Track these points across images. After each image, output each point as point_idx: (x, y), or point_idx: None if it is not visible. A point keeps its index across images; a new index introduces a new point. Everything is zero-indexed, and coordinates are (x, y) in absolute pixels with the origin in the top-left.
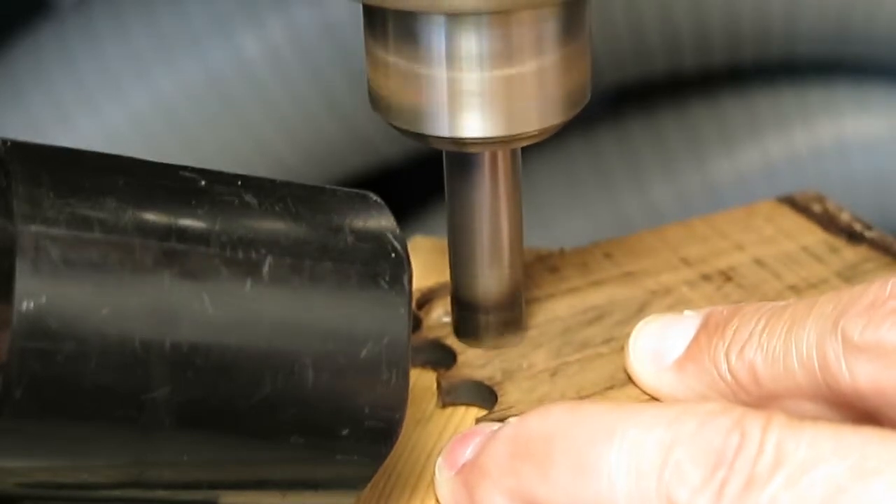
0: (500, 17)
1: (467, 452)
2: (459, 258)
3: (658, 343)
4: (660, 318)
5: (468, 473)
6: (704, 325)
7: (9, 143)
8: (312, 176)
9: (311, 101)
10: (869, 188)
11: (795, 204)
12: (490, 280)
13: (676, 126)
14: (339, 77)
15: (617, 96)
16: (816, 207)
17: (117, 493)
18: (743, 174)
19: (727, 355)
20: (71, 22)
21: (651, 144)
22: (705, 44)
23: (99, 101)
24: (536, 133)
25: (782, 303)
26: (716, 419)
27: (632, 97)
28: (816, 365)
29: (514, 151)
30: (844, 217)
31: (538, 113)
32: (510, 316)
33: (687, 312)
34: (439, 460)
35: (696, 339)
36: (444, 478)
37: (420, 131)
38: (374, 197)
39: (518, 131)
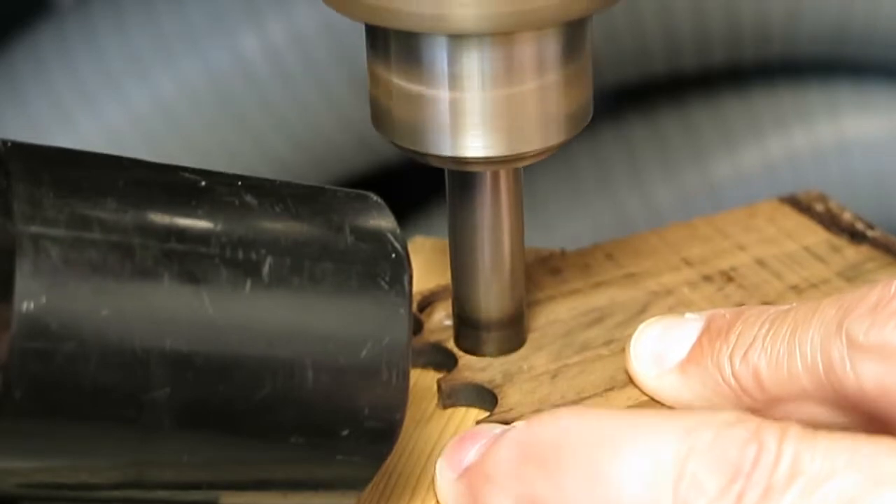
0: (502, 37)
1: (471, 454)
2: (461, 275)
3: (659, 345)
4: (661, 320)
5: (473, 477)
6: (707, 329)
7: (9, 144)
8: (312, 176)
9: (311, 101)
10: (869, 188)
11: (797, 203)
12: (492, 297)
13: (676, 126)
14: (339, 77)
15: (617, 96)
16: (819, 207)
17: (117, 493)
18: (743, 174)
19: (731, 359)
20: (71, 22)
21: (651, 144)
22: (705, 44)
23: (99, 101)
24: (538, 152)
25: (785, 306)
26: (732, 430)
27: (632, 97)
28: (821, 367)
29: (515, 170)
30: (846, 217)
31: (540, 132)
32: (512, 332)
33: (688, 315)
34: (440, 461)
35: (698, 342)
36: (446, 479)
37: (422, 150)
38: (375, 197)
39: (520, 150)
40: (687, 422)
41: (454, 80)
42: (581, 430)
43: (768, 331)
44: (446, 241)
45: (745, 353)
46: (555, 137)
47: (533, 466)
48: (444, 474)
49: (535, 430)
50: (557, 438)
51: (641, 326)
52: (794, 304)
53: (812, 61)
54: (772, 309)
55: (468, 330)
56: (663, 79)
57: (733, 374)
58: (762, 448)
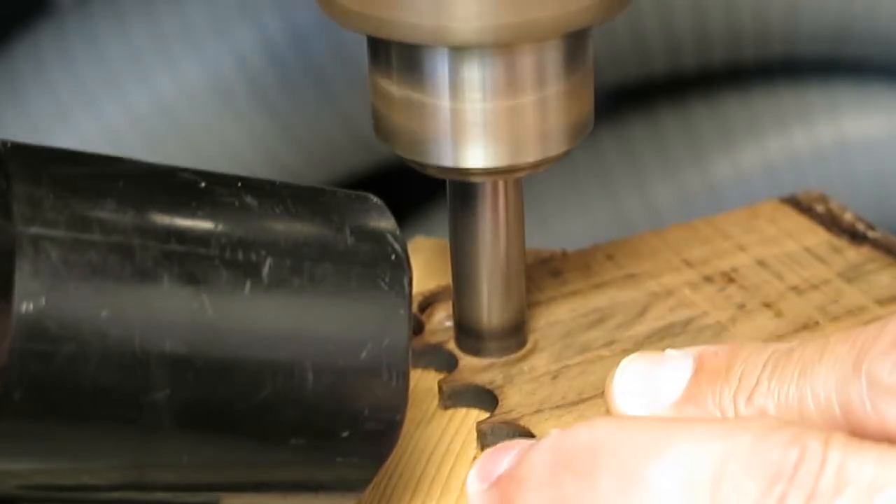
0: (503, 49)
1: (503, 464)
2: (462, 284)
3: (646, 384)
4: (643, 357)
5: (505, 484)
6: (701, 368)
7: (9, 145)
8: (313, 176)
9: (311, 101)
10: (869, 188)
11: (798, 204)
12: (493, 305)
13: (676, 126)
14: (339, 77)
15: (617, 96)
16: (819, 208)
17: (117, 494)
18: (743, 174)
19: (735, 401)
20: (71, 22)
21: (651, 144)
22: (705, 44)
23: (99, 101)
24: (539, 163)
25: (785, 345)
26: (773, 433)
27: (632, 97)
28: (837, 408)
29: (516, 180)
30: (847, 217)
31: (541, 143)
32: (513, 337)
33: (670, 351)
34: (471, 472)
35: (695, 381)
36: (476, 490)
37: (423, 160)
38: (375, 198)
39: (521, 161)
40: (726, 426)
41: (455, 92)
42: (617, 434)
43: (773, 372)
44: (447, 241)
45: (751, 395)
46: (555, 148)
47: (567, 471)
48: (475, 484)
49: (570, 436)
50: (593, 443)
51: (622, 364)
52: (797, 343)
53: (812, 61)
54: (771, 347)
55: (469, 334)
56: (663, 79)
57: (737, 416)
58: (805, 450)
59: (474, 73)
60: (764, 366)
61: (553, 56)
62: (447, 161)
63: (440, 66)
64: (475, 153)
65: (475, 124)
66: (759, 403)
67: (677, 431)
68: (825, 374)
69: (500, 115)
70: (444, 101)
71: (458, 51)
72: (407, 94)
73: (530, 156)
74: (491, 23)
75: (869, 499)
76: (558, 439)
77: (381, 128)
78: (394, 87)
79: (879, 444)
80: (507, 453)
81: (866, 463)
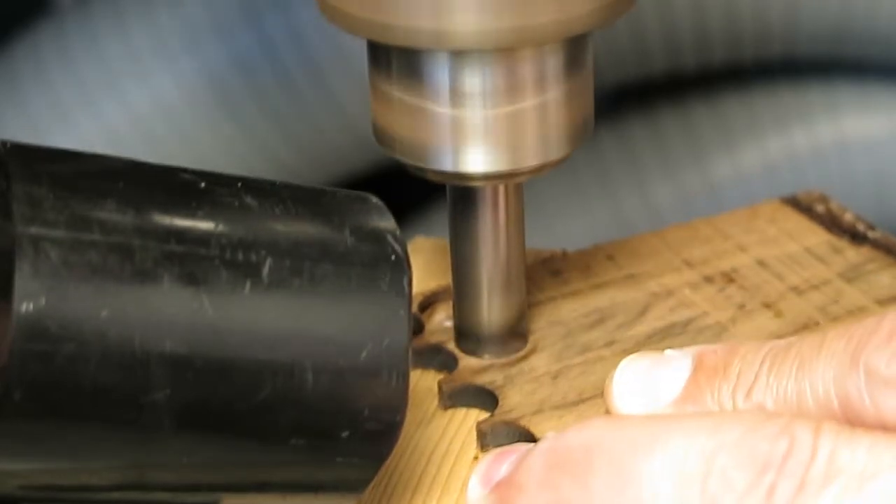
0: (503, 53)
1: (502, 470)
2: (463, 287)
3: (645, 384)
4: (642, 357)
5: (504, 489)
6: (700, 366)
7: (9, 145)
8: (312, 176)
9: (311, 101)
10: (869, 188)
11: (798, 204)
12: (493, 309)
13: (676, 126)
14: (339, 77)
15: (617, 96)
16: (820, 208)
17: (117, 495)
18: (743, 174)
19: (734, 397)
20: (71, 22)
21: (651, 144)
22: (705, 44)
23: (99, 101)
24: (539, 167)
25: (783, 341)
26: (762, 425)
27: (632, 97)
28: (835, 402)
29: (517, 185)
30: (848, 217)
31: (541, 148)
32: (514, 342)
33: (669, 352)
34: (473, 478)
35: (694, 380)
36: (477, 496)
37: (423, 165)
38: (375, 199)
39: (521, 166)
40: (715, 420)
41: (456, 96)
42: (609, 433)
43: (771, 368)
44: (447, 241)
45: (749, 391)
46: (556, 153)
47: (562, 473)
48: (476, 490)
49: (565, 437)
50: (587, 444)
51: (622, 364)
52: (794, 339)
53: (812, 61)
54: (769, 344)
55: (469, 336)
56: (663, 79)
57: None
58: (794, 440)
59: (474, 78)
60: (762, 362)
61: (553, 60)
62: (447, 166)
63: (440, 71)
64: (475, 158)
65: (475, 129)
66: (758, 399)
67: (668, 427)
68: (823, 368)
69: (500, 120)
70: (444, 106)
71: (459, 55)
72: (407, 98)
73: (531, 160)
74: (491, 27)
75: (860, 486)
76: (553, 442)
77: (380, 132)
78: (394, 92)
79: (871, 431)
80: (508, 458)
81: (858, 451)
